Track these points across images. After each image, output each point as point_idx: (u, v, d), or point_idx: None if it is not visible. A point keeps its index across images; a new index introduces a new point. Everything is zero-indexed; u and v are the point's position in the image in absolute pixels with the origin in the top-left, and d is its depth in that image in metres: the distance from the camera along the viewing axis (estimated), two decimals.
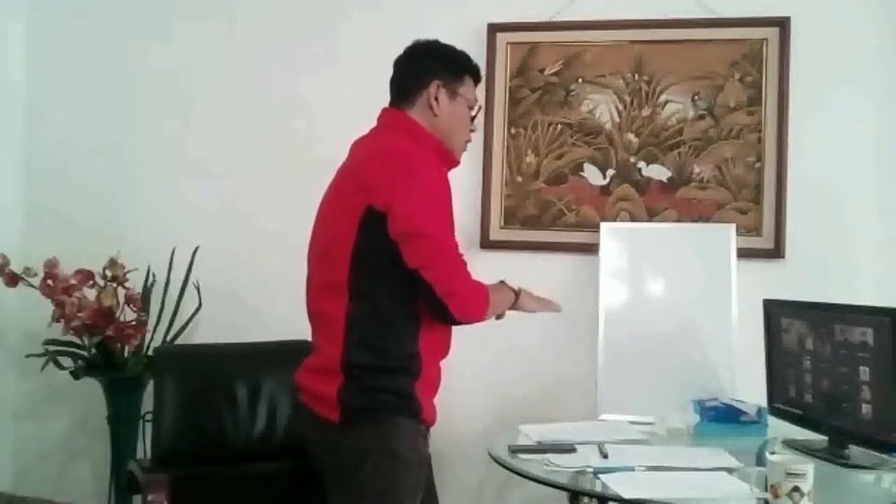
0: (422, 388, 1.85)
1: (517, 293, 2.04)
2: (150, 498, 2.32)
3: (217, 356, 2.73)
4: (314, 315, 1.93)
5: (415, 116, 1.94)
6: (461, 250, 1.87)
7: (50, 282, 3.06)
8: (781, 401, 2.43)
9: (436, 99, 1.93)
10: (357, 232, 1.79)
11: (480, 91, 3.05)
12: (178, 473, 2.40)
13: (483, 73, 3.06)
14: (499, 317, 2.04)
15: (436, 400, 1.93)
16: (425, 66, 1.96)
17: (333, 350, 1.82)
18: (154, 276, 3.25)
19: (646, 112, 3.03)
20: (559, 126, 3.10)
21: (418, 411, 1.84)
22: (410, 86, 1.95)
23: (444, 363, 1.95)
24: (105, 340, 3.06)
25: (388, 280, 1.79)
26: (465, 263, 1.86)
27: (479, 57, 3.07)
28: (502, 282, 2.04)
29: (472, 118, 2.03)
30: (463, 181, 3.14)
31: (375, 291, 1.80)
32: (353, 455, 1.79)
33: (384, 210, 1.76)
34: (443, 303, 1.77)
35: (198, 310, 3.20)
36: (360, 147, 1.95)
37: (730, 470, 1.95)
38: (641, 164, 3.03)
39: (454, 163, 2.00)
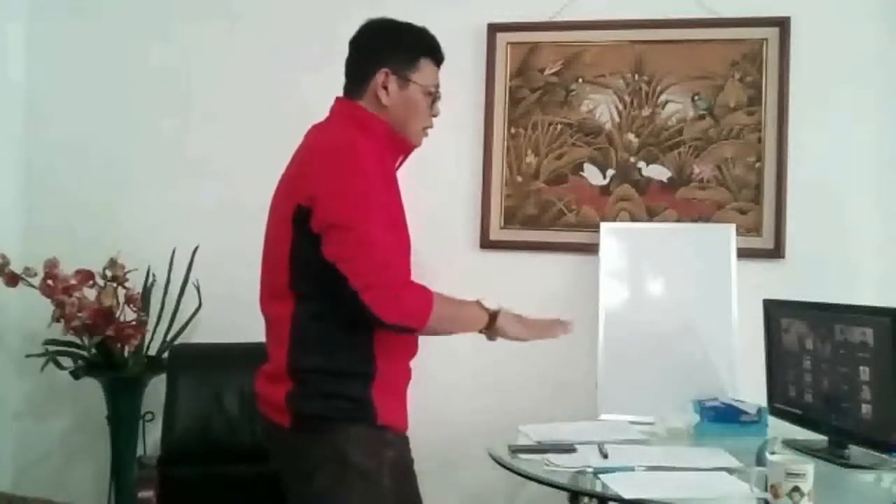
0: (381, 391, 1.75)
1: (493, 314, 1.84)
2: (139, 494, 2.32)
3: (228, 355, 2.74)
4: (266, 319, 1.85)
5: (365, 105, 1.83)
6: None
7: (50, 282, 3.06)
8: (781, 401, 2.43)
9: (385, 88, 1.81)
10: (292, 231, 1.71)
11: (478, 89, 3.11)
12: (187, 471, 2.41)
13: (482, 72, 3.13)
14: (489, 338, 1.89)
15: (410, 399, 1.86)
16: (374, 52, 1.84)
17: (281, 355, 1.75)
18: (154, 276, 3.25)
19: (646, 112, 3.03)
20: (559, 126, 3.10)
21: (374, 416, 1.74)
22: (359, 73, 1.85)
23: (418, 361, 1.87)
24: (105, 340, 3.06)
25: (332, 279, 1.67)
26: (401, 262, 1.74)
27: (479, 57, 3.13)
28: (478, 300, 1.86)
29: (432, 103, 1.88)
30: (463, 181, 3.16)
31: (319, 291, 1.71)
32: (306, 465, 1.72)
33: (309, 205, 1.68)
34: (357, 297, 1.63)
35: (198, 310, 3.20)
36: (304, 140, 1.85)
37: (730, 470, 1.95)
38: (641, 164, 3.03)
39: (410, 148, 1.89)
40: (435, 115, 1.91)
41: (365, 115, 1.83)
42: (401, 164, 1.93)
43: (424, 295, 1.72)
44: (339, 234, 1.67)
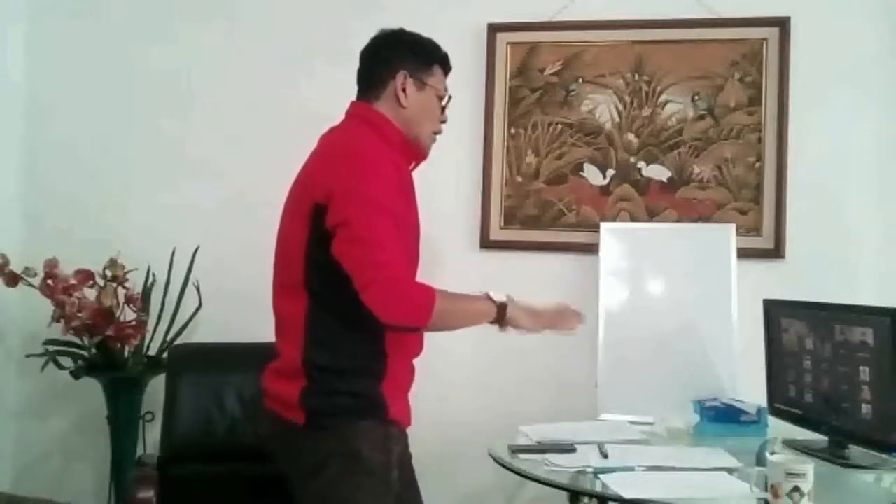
0: (390, 388, 1.80)
1: (501, 306, 1.83)
2: (139, 495, 2.32)
3: (228, 355, 2.74)
4: (277, 316, 1.88)
5: (381, 108, 1.88)
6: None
7: (50, 282, 3.06)
8: (781, 401, 2.43)
9: (403, 90, 1.87)
10: (308, 230, 1.75)
11: (478, 89, 3.12)
12: (188, 470, 2.40)
13: (482, 72, 3.13)
14: (501, 329, 1.88)
15: (411, 399, 1.89)
16: (392, 57, 1.90)
17: (294, 352, 1.78)
18: (154, 276, 3.25)
19: (646, 112, 3.03)
20: (559, 126, 3.10)
21: (385, 413, 1.78)
22: (377, 77, 1.90)
23: (419, 361, 1.90)
24: (105, 340, 3.06)
25: (345, 277, 1.69)
26: (404, 262, 1.75)
27: (479, 57, 3.14)
28: (487, 293, 1.85)
29: (443, 109, 1.96)
30: (463, 181, 3.16)
31: (333, 290, 1.72)
32: (314, 460, 1.75)
33: (326, 202, 1.71)
34: (360, 296, 1.66)
35: (198, 310, 3.20)
36: (321, 141, 1.90)
37: (730, 470, 1.95)
38: (641, 164, 3.03)
39: (421, 156, 1.95)
40: (444, 122, 1.98)
41: (381, 120, 1.88)
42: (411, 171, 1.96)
43: (426, 292, 1.72)
44: (346, 232, 1.70)
